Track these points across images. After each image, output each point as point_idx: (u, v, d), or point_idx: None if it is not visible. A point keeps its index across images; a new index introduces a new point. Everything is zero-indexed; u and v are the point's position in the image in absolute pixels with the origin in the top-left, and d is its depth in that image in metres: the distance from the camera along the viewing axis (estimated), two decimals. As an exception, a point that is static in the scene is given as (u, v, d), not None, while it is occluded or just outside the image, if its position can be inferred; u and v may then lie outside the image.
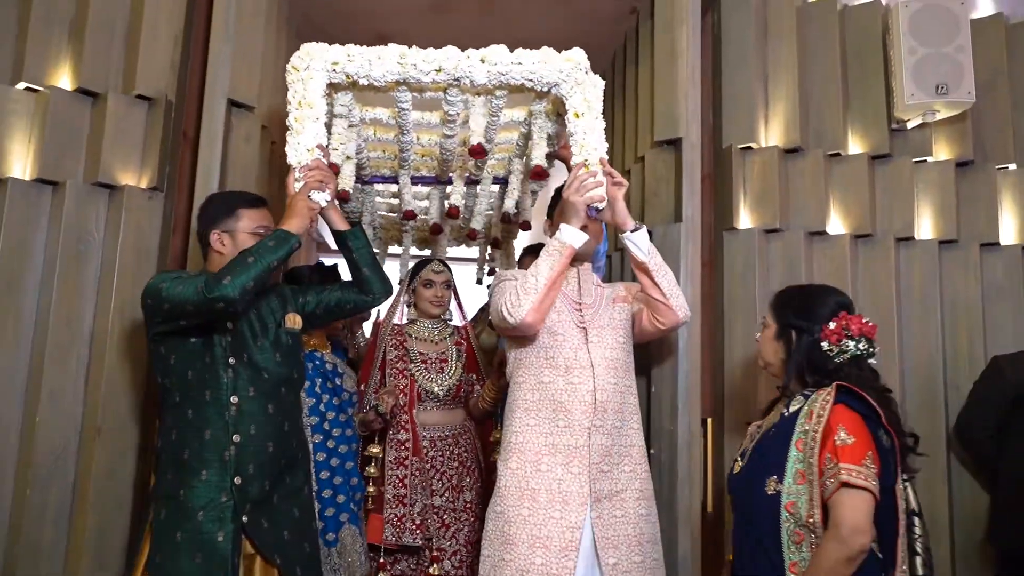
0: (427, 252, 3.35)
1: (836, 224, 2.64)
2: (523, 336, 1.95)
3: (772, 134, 2.65)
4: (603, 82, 1.96)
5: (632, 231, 1.94)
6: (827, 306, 1.65)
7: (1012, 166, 2.76)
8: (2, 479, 2.08)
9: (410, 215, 2.66)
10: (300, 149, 1.85)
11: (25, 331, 2.15)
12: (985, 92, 2.74)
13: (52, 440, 2.10)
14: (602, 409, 1.88)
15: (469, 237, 2.94)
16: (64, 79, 2.27)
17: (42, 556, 2.06)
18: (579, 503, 1.81)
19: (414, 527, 2.34)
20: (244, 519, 1.70)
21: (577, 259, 2.02)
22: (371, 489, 2.40)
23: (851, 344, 1.60)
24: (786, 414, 1.61)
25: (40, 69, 2.24)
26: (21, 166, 2.20)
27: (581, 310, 1.99)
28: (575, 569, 1.76)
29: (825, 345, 1.61)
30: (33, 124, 2.22)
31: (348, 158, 2.26)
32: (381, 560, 2.35)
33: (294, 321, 1.92)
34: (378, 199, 2.92)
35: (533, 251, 2.76)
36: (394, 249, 3.33)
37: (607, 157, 1.89)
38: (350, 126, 2.17)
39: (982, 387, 2.53)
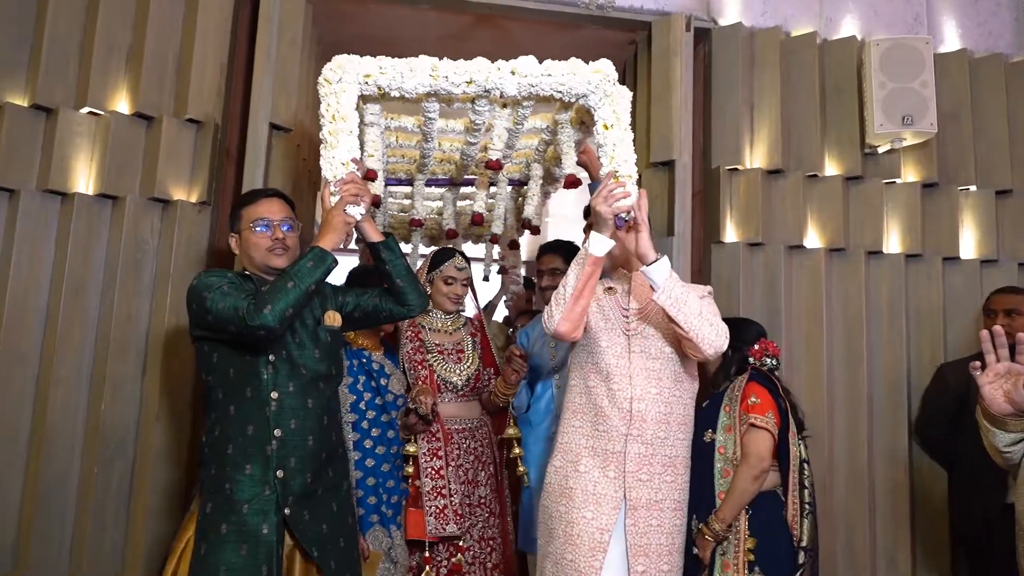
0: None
1: (813, 239, 2.92)
2: (574, 340, 1.97)
3: (756, 157, 2.93)
4: (630, 93, 1.95)
5: (652, 263, 1.83)
6: (750, 333, 2.30)
7: (973, 187, 3.04)
8: (71, 459, 2.36)
9: (416, 223, 2.64)
10: (335, 163, 1.85)
11: (89, 329, 2.42)
12: (949, 120, 3.03)
13: (115, 426, 2.38)
14: (639, 418, 1.88)
15: (492, 242, 2.94)
16: (123, 104, 2.54)
17: (107, 525, 2.35)
18: (611, 507, 1.85)
19: (457, 517, 2.31)
20: (287, 511, 1.72)
21: (630, 265, 2.01)
22: (408, 487, 2.35)
23: (768, 360, 2.26)
24: (718, 392, 2.28)
25: (101, 95, 2.51)
26: (85, 182, 2.47)
27: (628, 316, 1.97)
28: (601, 570, 1.81)
29: (751, 360, 2.27)
30: (95, 145, 2.49)
31: (379, 160, 2.25)
32: (427, 555, 2.30)
33: (333, 319, 1.92)
34: (390, 200, 3.00)
35: (550, 249, 2.72)
36: (403, 248, 3.42)
37: (635, 168, 1.87)
38: (379, 132, 2.20)
39: (930, 393, 2.85)
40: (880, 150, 2.97)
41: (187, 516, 1.78)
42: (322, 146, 1.87)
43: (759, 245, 2.86)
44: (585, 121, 2.09)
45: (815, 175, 2.95)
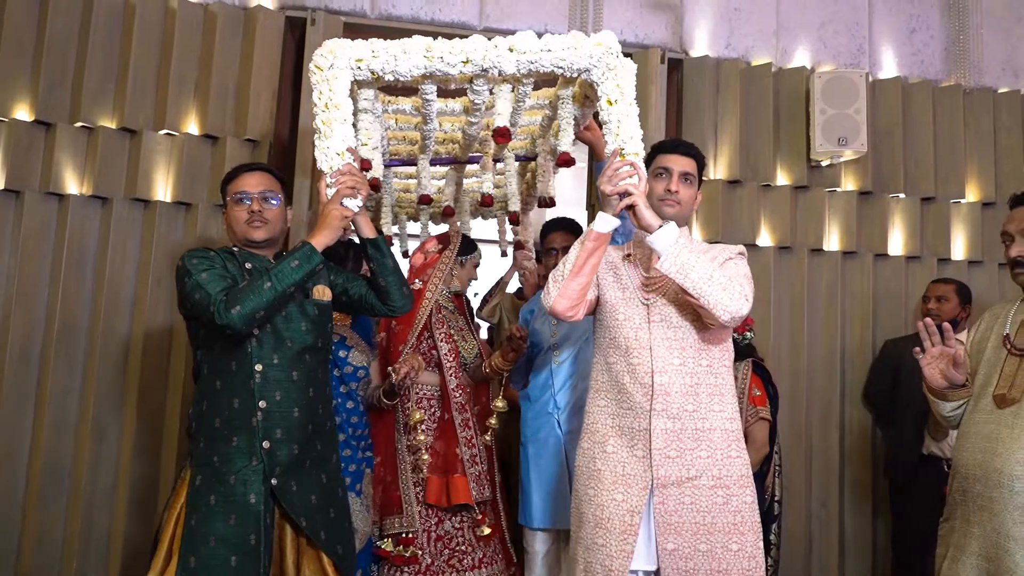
0: (444, 227, 3.22)
1: (764, 238, 3.48)
2: (572, 320, 1.89)
3: (719, 169, 3.48)
4: (635, 66, 1.86)
5: (656, 231, 1.71)
6: None
7: (902, 195, 3.60)
8: (162, 418, 2.93)
9: (426, 200, 2.55)
10: (330, 154, 1.79)
11: (170, 313, 2.98)
12: (884, 138, 3.58)
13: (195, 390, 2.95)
14: (663, 391, 1.76)
15: (483, 204, 2.68)
16: (193, 126, 3.07)
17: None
18: (641, 487, 1.75)
19: (488, 482, 2.48)
20: (273, 481, 1.74)
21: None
22: (426, 456, 2.44)
23: (749, 335, 2.70)
24: None
25: (176, 119, 3.05)
26: (163, 191, 3.02)
27: (648, 284, 1.85)
28: (633, 553, 1.74)
29: (735, 335, 2.51)
30: (171, 160, 3.03)
31: (374, 148, 2.23)
32: (480, 516, 2.46)
33: (323, 293, 1.92)
34: (395, 180, 2.96)
35: (555, 227, 2.63)
36: (413, 229, 3.37)
37: (642, 145, 1.80)
38: (375, 118, 2.16)
39: (876, 363, 3.43)
40: (823, 164, 3.52)
41: (178, 484, 1.83)
42: (315, 136, 1.81)
43: (719, 244, 3.41)
44: (589, 96, 2.01)
45: (768, 185, 3.50)
